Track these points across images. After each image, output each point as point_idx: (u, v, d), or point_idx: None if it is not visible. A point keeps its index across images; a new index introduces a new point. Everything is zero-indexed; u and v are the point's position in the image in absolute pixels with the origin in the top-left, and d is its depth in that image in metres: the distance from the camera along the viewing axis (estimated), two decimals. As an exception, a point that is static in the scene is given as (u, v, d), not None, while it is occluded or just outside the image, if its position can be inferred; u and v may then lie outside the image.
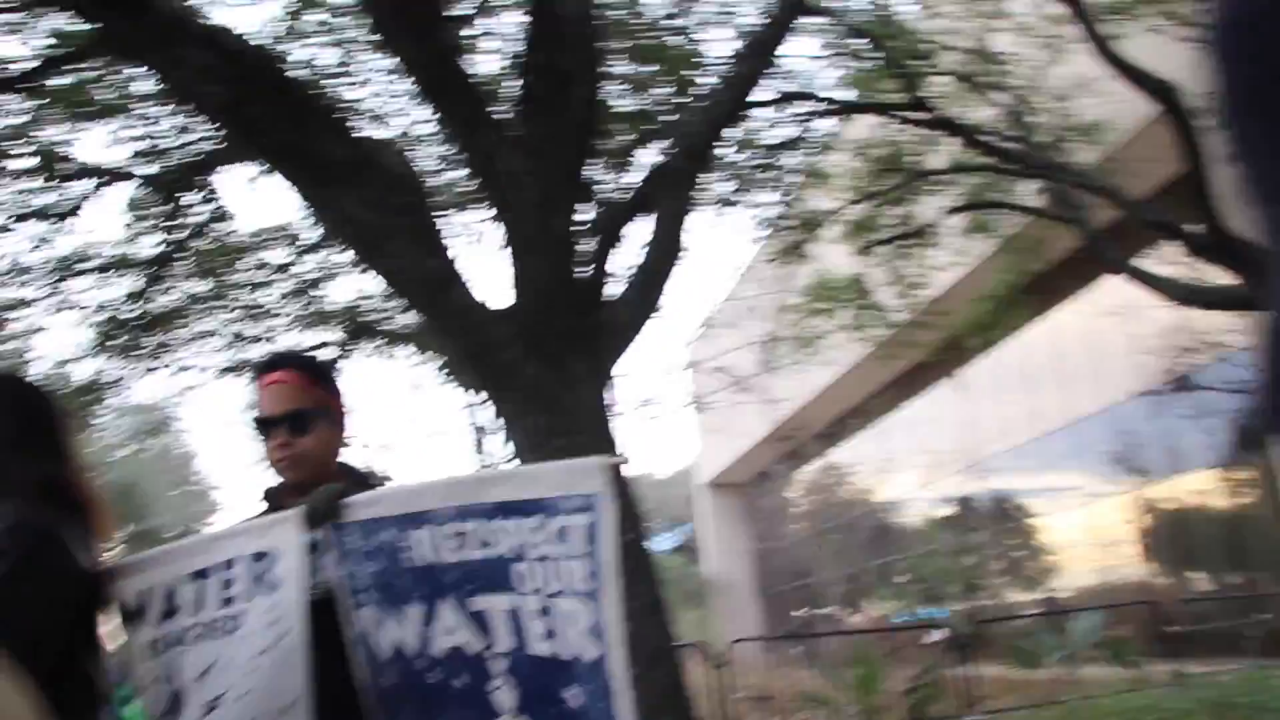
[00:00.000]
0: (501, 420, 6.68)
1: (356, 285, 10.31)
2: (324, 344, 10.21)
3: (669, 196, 6.97)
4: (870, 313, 11.72)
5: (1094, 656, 13.96)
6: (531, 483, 2.21)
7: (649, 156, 9.01)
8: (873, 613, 22.90)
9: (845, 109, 10.44)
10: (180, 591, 2.56)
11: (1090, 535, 18.87)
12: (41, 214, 8.52)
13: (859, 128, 11.33)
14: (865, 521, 21.77)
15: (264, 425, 2.64)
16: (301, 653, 2.38)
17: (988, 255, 12.78)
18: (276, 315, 9.96)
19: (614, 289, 7.18)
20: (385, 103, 8.84)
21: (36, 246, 8.73)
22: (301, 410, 2.63)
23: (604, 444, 6.19)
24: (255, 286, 9.67)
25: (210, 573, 2.55)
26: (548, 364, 6.28)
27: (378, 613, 2.39)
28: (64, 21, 7.21)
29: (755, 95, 8.39)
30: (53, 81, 7.61)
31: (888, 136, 10.82)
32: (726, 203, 10.50)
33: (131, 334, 9.34)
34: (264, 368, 2.77)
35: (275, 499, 2.72)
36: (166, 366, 10.10)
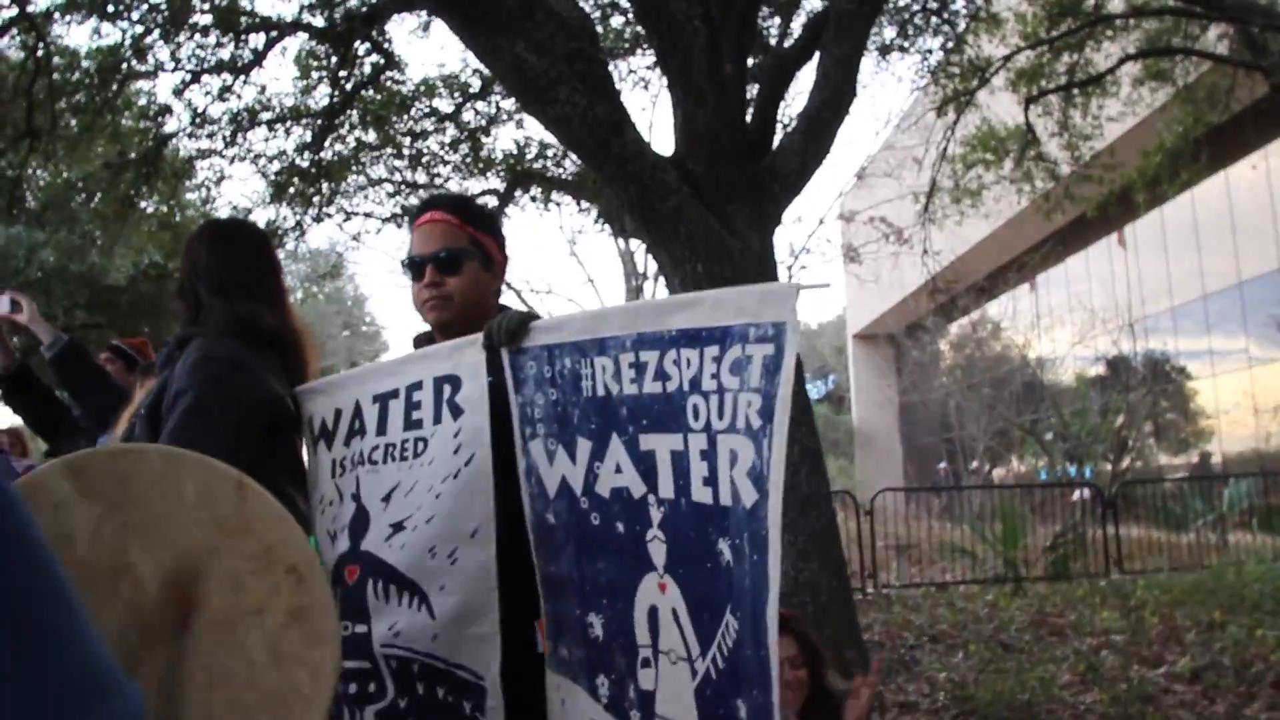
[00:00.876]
0: (659, 264, 6.78)
1: (519, 133, 10.46)
2: (487, 191, 10.44)
3: (837, 42, 6.81)
4: (1035, 164, 11.30)
5: (1242, 524, 13.66)
6: (718, 308, 1.98)
7: (815, 3, 8.79)
8: (1018, 469, 22.71)
9: (1019, -53, 9.90)
10: (365, 413, 2.56)
11: (1248, 401, 18.18)
12: (221, 67, 8.85)
13: (1032, -34, 10.74)
14: (1015, 377, 21.34)
15: (415, 266, 2.59)
16: (487, 479, 2.33)
17: (1163, 105, 12.12)
18: (442, 163, 10.19)
19: (780, 136, 7.14)
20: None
21: (218, 99, 9.10)
22: (451, 249, 2.57)
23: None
24: (422, 135, 9.90)
25: (395, 395, 2.52)
26: (712, 210, 6.32)
27: (549, 446, 2.30)
28: None
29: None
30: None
31: (1063, -24, 10.25)
32: (891, 49, 10.19)
33: (305, 182, 9.70)
34: (418, 210, 2.69)
35: (424, 345, 2.66)
36: (338, 213, 10.49)
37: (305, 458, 2.73)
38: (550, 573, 2.35)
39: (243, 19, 8.59)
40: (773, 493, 1.77)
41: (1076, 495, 14.45)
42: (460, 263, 2.57)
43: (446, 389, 2.42)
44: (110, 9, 8.08)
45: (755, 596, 1.79)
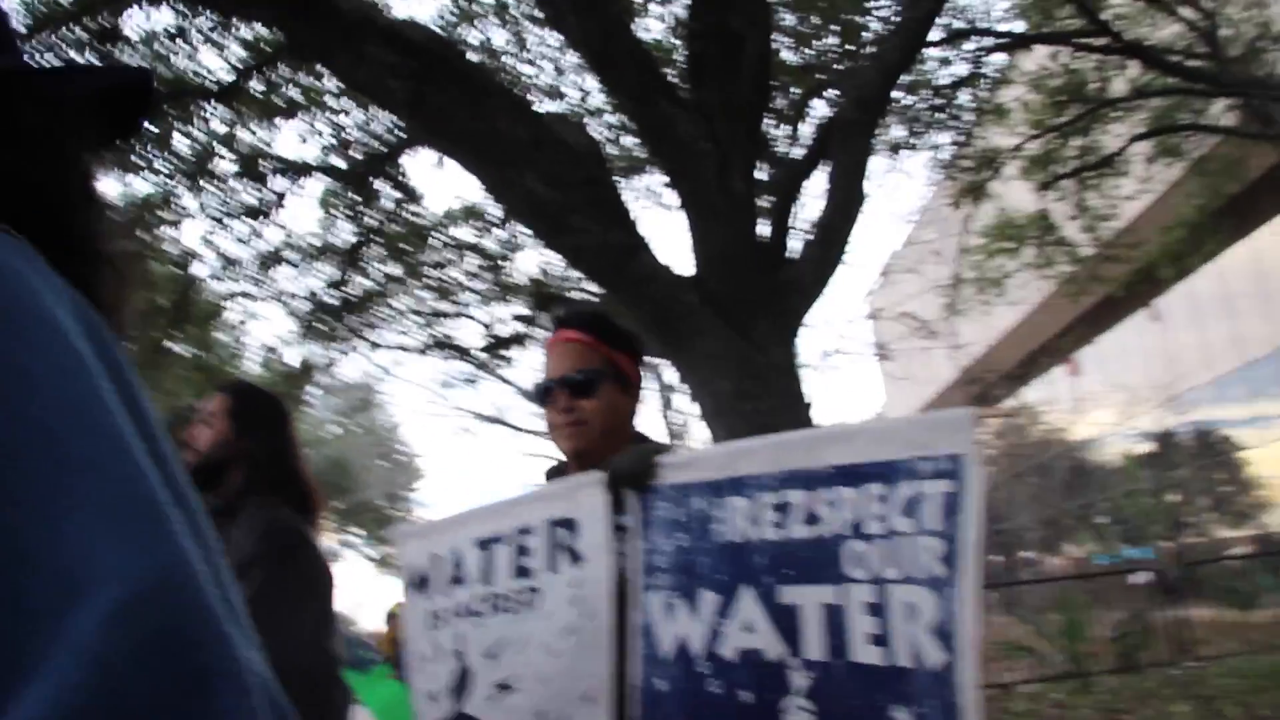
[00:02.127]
0: (688, 386, 6.76)
1: (541, 257, 10.60)
2: (516, 316, 10.56)
3: (845, 148, 6.87)
4: (1056, 248, 11.29)
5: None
6: (881, 440, 1.79)
7: (821, 108, 8.92)
8: (1073, 556, 22.22)
9: (1019, 41, 10.04)
10: (467, 559, 2.37)
11: (1306, 467, 17.81)
12: (247, 211, 9.08)
13: (1034, 59, 10.89)
14: (1061, 462, 21.02)
15: (546, 390, 2.38)
16: (609, 635, 2.09)
17: (1177, 180, 12.13)
18: (467, 290, 10.33)
19: (796, 246, 7.16)
20: (557, 78, 9.01)
21: (245, 241, 9.33)
22: (585, 370, 2.36)
23: (795, 405, 6.22)
24: (445, 264, 10.05)
25: (502, 540, 2.32)
26: (733, 327, 6.31)
27: (668, 598, 2.05)
28: (254, 33, 7.61)
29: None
30: (249, 87, 8.07)
31: (1065, 65, 10.37)
32: (901, 148, 10.29)
33: (333, 317, 9.86)
34: (551, 328, 2.50)
35: (559, 478, 2.44)
36: (368, 345, 10.62)
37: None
38: None
39: (264, 164, 8.84)
40: (966, 652, 1.58)
41: (1138, 578, 14.07)
42: (595, 385, 2.36)
43: (562, 534, 2.22)
44: (138, 162, 8.35)
45: None
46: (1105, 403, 20.59)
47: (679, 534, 2.05)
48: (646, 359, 2.60)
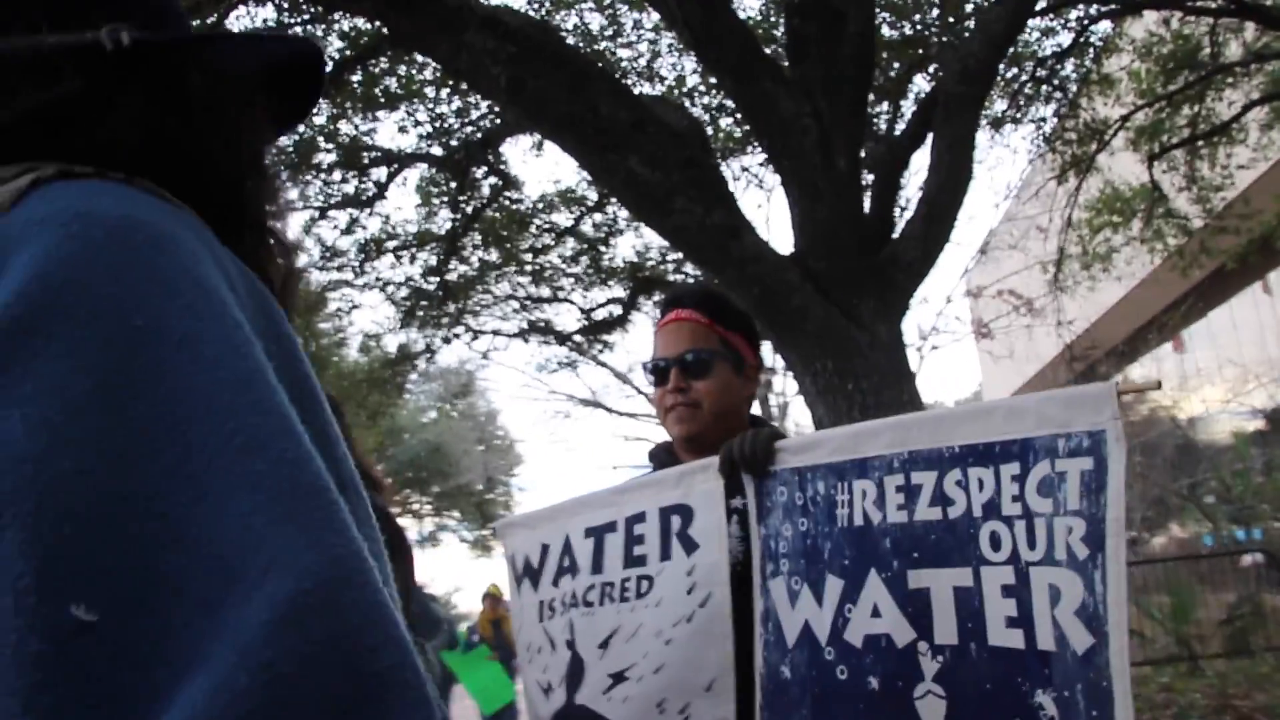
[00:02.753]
0: (790, 366, 6.71)
1: (639, 240, 10.62)
2: (611, 300, 10.60)
3: (950, 123, 6.73)
4: (1165, 221, 10.94)
5: None
6: (1014, 417, 1.71)
7: (923, 84, 8.75)
8: (1181, 537, 21.61)
9: (1127, 7, 9.72)
10: (577, 549, 2.32)
11: None
12: (347, 201, 9.24)
13: (1142, 25, 10.54)
14: (1168, 440, 20.44)
15: (658, 371, 2.31)
16: (726, 622, 2.04)
17: (1294, 147, 11.65)
18: (564, 275, 10.38)
19: (901, 225, 7.06)
20: (657, 59, 8.99)
21: (345, 232, 9.49)
22: (698, 350, 2.28)
23: (900, 383, 6.13)
24: (543, 250, 10.12)
25: (613, 529, 2.26)
26: (837, 305, 6.25)
27: (792, 585, 2.00)
28: (354, 24, 7.72)
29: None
30: (350, 78, 8.20)
31: (1176, 31, 10.01)
32: (1004, 122, 10.05)
33: (433, 304, 9.98)
34: (663, 307, 2.43)
35: (662, 461, 2.40)
36: (466, 332, 10.75)
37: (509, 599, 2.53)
38: None
39: (365, 155, 8.97)
40: (1114, 635, 1.50)
41: (1248, 560, 13.62)
42: (710, 366, 2.28)
43: (676, 521, 2.17)
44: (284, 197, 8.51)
45: None
46: (1215, 379, 19.95)
47: (800, 518, 2.02)
48: (761, 342, 2.55)
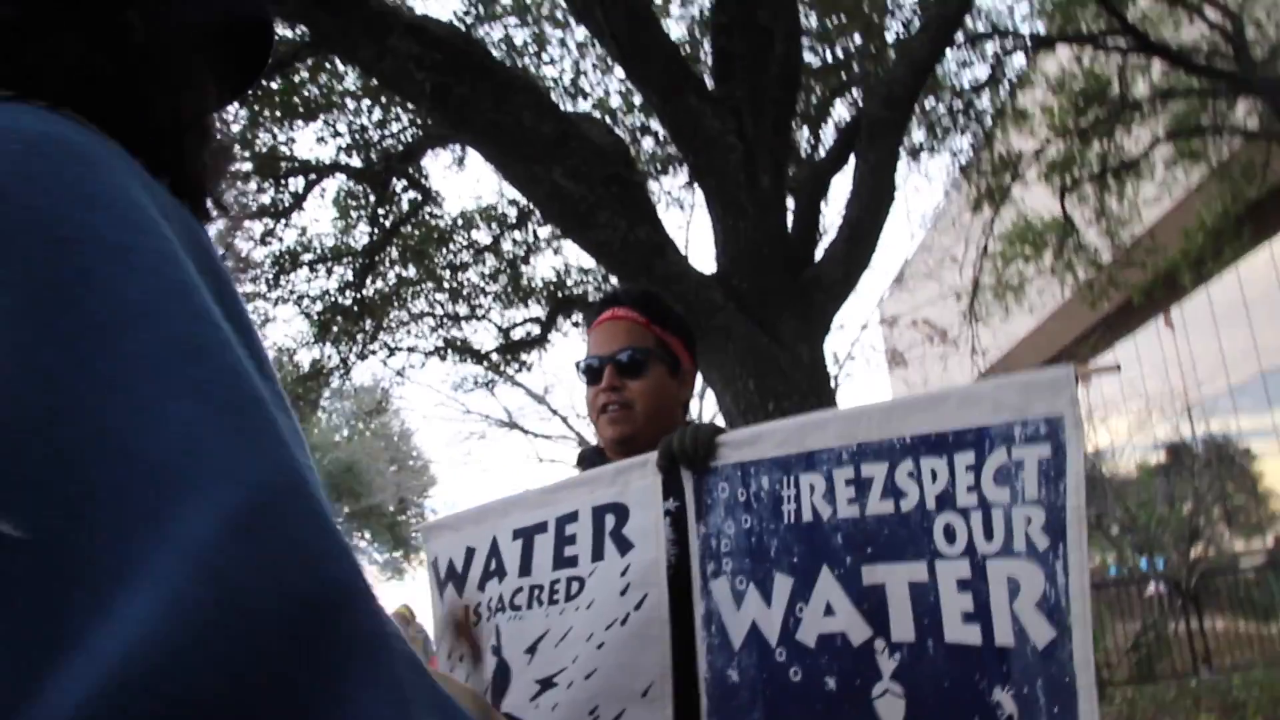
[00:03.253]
0: (712, 385, 6.68)
1: (557, 260, 10.54)
2: (529, 319, 10.48)
3: (873, 146, 6.80)
4: (1076, 254, 11.20)
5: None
6: (968, 405, 1.63)
7: (843, 111, 8.85)
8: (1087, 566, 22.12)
9: (1041, 42, 9.98)
10: (504, 551, 2.21)
11: (1324, 478, 17.66)
12: (263, 212, 9.00)
13: (1055, 61, 10.82)
14: (1074, 472, 20.94)
15: (591, 370, 2.22)
16: (663, 625, 1.94)
17: (1198, 185, 12.04)
18: (483, 294, 10.25)
19: (823, 247, 7.09)
20: (582, 75, 8.95)
21: (260, 243, 9.24)
22: (635, 349, 2.18)
23: (821, 404, 6.13)
24: (462, 267, 9.97)
25: (543, 529, 2.16)
26: (760, 326, 6.24)
27: (737, 585, 1.92)
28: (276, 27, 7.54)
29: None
30: (269, 84, 8.01)
31: (1087, 67, 10.30)
32: (921, 151, 10.21)
33: (349, 320, 9.77)
34: (598, 306, 2.35)
35: (592, 463, 2.30)
36: (382, 349, 10.53)
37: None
38: None
39: (282, 164, 8.76)
40: (1077, 628, 1.42)
41: (1152, 589, 13.92)
42: (645, 366, 2.18)
43: (610, 520, 2.07)
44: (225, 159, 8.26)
45: None
46: (1120, 410, 20.48)
47: (744, 515, 1.93)
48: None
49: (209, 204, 0.78)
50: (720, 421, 6.39)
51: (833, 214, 8.53)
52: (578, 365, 2.29)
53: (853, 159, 7.11)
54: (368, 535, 30.14)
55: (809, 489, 1.83)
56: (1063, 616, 1.45)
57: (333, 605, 0.44)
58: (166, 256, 0.51)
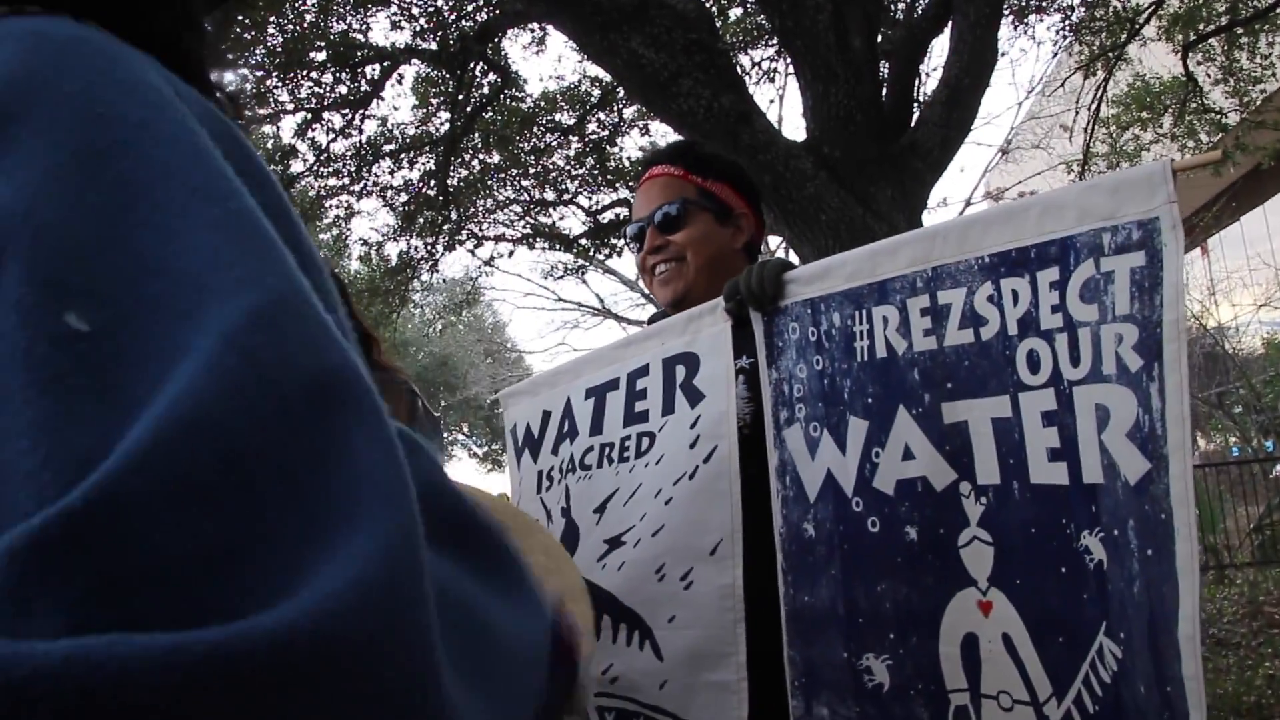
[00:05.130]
0: (801, 259, 6.40)
1: (644, 140, 10.22)
2: (617, 202, 10.21)
3: (972, 3, 6.32)
4: (1199, 116, 10.45)
5: None
6: (1050, 215, 1.44)
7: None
8: (1207, 447, 21.34)
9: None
10: (577, 411, 2.15)
11: None
12: (341, 102, 8.84)
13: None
14: (1195, 348, 20.04)
15: (636, 237, 2.13)
16: (732, 479, 1.83)
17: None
18: (569, 177, 10.01)
19: (919, 111, 6.69)
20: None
21: (340, 135, 9.11)
22: (670, 203, 2.07)
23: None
24: (546, 151, 9.73)
25: (615, 386, 2.09)
26: (853, 195, 5.93)
27: (811, 432, 1.78)
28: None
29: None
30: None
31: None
32: (1029, 10, 9.55)
33: (433, 210, 9.64)
34: (639, 171, 2.21)
35: None
36: (469, 239, 10.42)
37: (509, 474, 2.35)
38: (803, 604, 1.78)
39: (357, 52, 8.57)
40: (1174, 458, 1.25)
41: (1277, 470, 13.34)
42: (684, 217, 2.07)
43: (680, 371, 1.97)
44: (229, 57, 8.14)
45: (1155, 607, 1.26)
46: (1247, 284, 19.48)
47: (815, 356, 1.78)
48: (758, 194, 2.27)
49: (219, 98, 0.81)
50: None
51: (932, 82, 8.04)
52: (624, 237, 2.14)
53: (952, 18, 6.63)
54: (465, 428, 30.50)
55: (882, 322, 1.68)
56: (1158, 445, 1.28)
57: (339, 381, 0.50)
58: (184, 127, 0.58)
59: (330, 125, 9.04)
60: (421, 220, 9.68)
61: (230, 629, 0.40)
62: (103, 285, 0.50)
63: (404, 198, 9.55)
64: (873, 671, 1.68)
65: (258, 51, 8.17)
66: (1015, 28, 10.09)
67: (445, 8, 8.37)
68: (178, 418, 0.44)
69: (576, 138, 9.64)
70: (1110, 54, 9.81)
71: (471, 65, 8.60)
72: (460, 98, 8.86)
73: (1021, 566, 1.48)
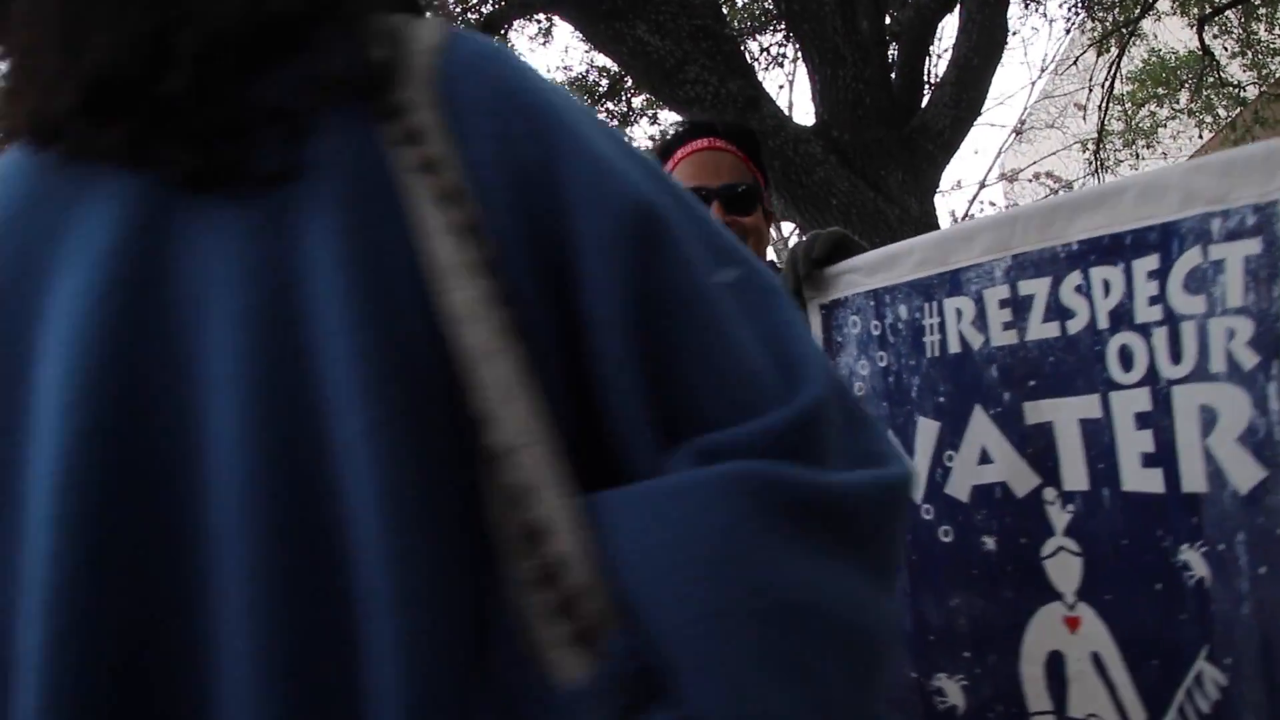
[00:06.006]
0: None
1: (653, 129, 10.19)
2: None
3: (982, -20, 6.26)
4: (1216, 91, 10.33)
5: None
6: (1149, 199, 1.34)
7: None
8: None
9: None
10: None
11: None
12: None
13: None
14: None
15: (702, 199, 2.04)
16: None
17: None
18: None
19: (929, 94, 6.64)
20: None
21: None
22: (744, 184, 1.96)
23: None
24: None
25: None
26: (864, 179, 5.88)
27: None
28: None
29: None
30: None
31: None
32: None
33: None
34: (692, 132, 2.08)
35: None
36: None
37: None
38: None
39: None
40: None
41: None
42: (754, 202, 1.97)
43: None
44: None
45: (1270, 632, 1.18)
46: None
47: (879, 352, 1.69)
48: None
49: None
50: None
51: (943, 63, 7.97)
52: None
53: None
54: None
55: (955, 315, 1.57)
56: (1275, 451, 1.18)
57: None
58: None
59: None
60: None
61: (890, 470, 0.64)
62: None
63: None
64: (945, 693, 1.58)
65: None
66: (1026, 6, 10.00)
67: (450, 1, 8.37)
68: (819, 399, 0.61)
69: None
70: (1124, 30, 9.70)
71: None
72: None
73: (1112, 580, 1.39)
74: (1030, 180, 13.76)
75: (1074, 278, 1.42)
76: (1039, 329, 1.46)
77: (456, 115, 0.61)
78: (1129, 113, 11.07)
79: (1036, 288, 1.47)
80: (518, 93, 0.64)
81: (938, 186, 6.38)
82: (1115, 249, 1.37)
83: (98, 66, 0.61)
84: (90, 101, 0.61)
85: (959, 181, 27.97)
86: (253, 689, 0.53)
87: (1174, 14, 10.03)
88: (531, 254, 0.59)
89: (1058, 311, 1.44)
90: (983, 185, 15.74)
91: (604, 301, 0.59)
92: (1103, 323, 1.39)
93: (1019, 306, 1.48)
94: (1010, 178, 15.07)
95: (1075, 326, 1.42)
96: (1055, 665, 1.46)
